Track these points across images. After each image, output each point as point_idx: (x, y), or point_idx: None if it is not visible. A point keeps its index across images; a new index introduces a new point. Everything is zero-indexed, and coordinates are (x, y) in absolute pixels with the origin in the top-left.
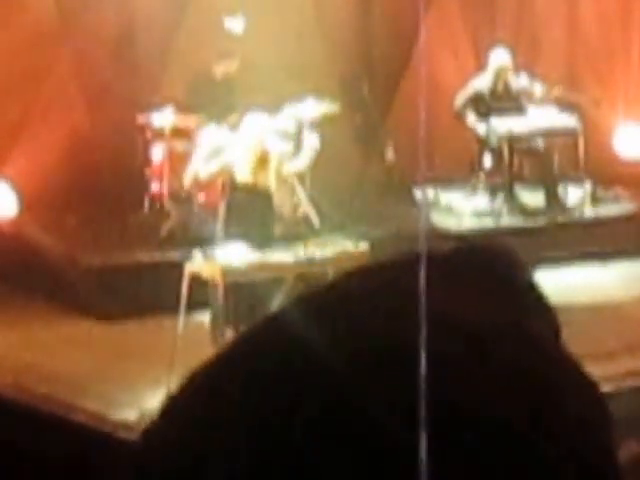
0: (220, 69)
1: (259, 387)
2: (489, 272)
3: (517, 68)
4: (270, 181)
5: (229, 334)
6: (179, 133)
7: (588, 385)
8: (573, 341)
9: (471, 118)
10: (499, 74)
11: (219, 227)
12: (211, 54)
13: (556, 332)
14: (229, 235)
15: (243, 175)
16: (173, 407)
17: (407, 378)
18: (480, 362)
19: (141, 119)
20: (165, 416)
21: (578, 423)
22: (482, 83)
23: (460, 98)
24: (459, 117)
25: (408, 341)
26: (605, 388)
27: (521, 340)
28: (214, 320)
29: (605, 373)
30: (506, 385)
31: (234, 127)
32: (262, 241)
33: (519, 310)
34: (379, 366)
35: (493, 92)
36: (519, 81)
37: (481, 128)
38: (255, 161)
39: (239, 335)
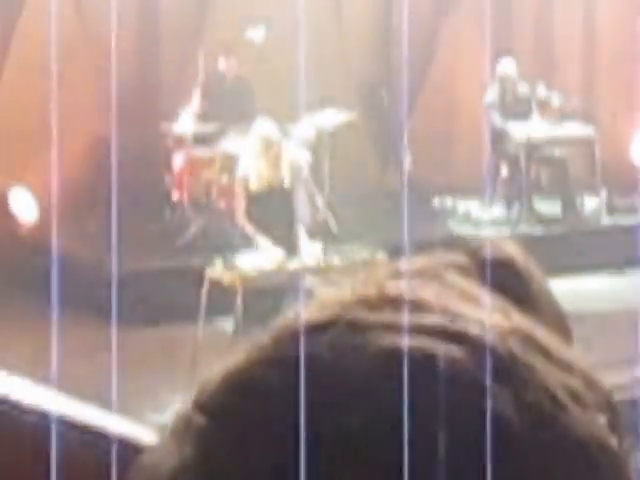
0: (223, 66)
1: (276, 398)
2: (501, 278)
3: (535, 78)
4: (286, 182)
5: (247, 340)
6: (200, 140)
7: (602, 392)
8: (588, 348)
9: (497, 119)
10: (505, 83)
11: (238, 234)
12: (217, 54)
13: (568, 340)
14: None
15: (259, 180)
16: (185, 425)
17: (428, 389)
18: (493, 372)
19: (162, 126)
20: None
21: (593, 430)
22: (492, 93)
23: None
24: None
25: (428, 349)
26: (620, 396)
27: (535, 346)
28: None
29: (620, 381)
30: (521, 391)
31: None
32: (286, 240)
33: (532, 316)
34: (400, 374)
35: (502, 102)
36: (539, 91)
37: (506, 130)
38: (269, 165)
39: (258, 344)
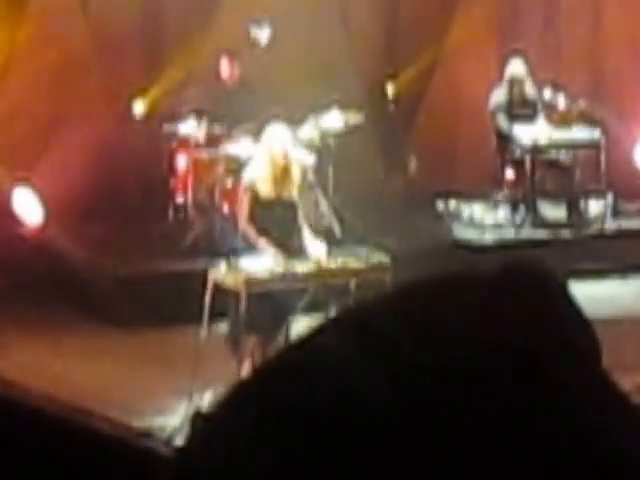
0: (225, 70)
1: (299, 409)
2: (530, 289)
3: (541, 81)
4: (294, 192)
5: (250, 344)
6: (204, 143)
7: (628, 405)
8: None
9: (503, 121)
10: (514, 84)
11: (242, 238)
12: (221, 56)
13: (598, 349)
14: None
15: (266, 186)
16: (215, 425)
17: (453, 399)
18: (532, 380)
19: (167, 129)
20: (208, 434)
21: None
22: (499, 95)
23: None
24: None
25: (455, 362)
26: None
27: (568, 359)
28: (232, 329)
29: (625, 386)
30: (551, 405)
31: (254, 136)
32: (290, 244)
33: (564, 328)
34: (422, 387)
35: (510, 102)
36: (545, 94)
37: (511, 133)
38: (278, 172)
39: (279, 352)
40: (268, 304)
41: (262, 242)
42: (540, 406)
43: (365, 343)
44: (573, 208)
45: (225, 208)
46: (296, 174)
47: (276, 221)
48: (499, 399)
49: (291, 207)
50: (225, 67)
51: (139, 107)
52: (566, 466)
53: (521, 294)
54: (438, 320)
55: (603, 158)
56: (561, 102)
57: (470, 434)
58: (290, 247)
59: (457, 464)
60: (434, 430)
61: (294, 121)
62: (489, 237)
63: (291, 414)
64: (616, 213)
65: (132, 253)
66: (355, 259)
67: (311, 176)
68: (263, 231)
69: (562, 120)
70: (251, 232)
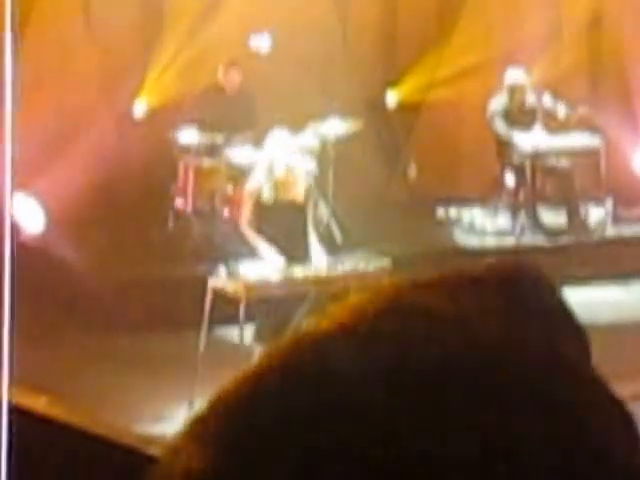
0: (225, 79)
1: (293, 414)
2: (520, 292)
3: (540, 88)
4: (296, 198)
5: (251, 350)
6: (205, 150)
7: (619, 409)
8: (594, 361)
9: (502, 127)
10: (514, 92)
11: (242, 241)
12: (221, 65)
13: (587, 353)
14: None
15: (269, 192)
16: (206, 431)
17: (445, 403)
18: (514, 385)
19: (168, 136)
20: (196, 440)
21: (608, 447)
22: (499, 102)
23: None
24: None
25: (444, 364)
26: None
27: (555, 361)
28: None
29: (626, 393)
30: (538, 408)
31: (254, 144)
32: (295, 251)
33: (552, 330)
34: (416, 390)
35: (508, 111)
36: (545, 101)
37: (511, 139)
38: (281, 178)
39: (268, 354)
40: (269, 310)
41: (262, 245)
42: (520, 404)
43: (365, 344)
44: (573, 214)
45: (225, 214)
46: (298, 180)
47: (277, 227)
48: (481, 399)
49: (293, 213)
50: (225, 75)
51: (139, 112)
52: (546, 467)
53: (504, 294)
54: (417, 323)
55: (603, 165)
56: (561, 109)
57: (451, 438)
58: (291, 253)
59: (430, 462)
60: (416, 430)
61: (294, 128)
62: (490, 243)
63: (292, 417)
64: (616, 219)
65: (133, 259)
66: (356, 265)
67: (312, 183)
68: (264, 237)
69: (561, 127)
70: (251, 235)
